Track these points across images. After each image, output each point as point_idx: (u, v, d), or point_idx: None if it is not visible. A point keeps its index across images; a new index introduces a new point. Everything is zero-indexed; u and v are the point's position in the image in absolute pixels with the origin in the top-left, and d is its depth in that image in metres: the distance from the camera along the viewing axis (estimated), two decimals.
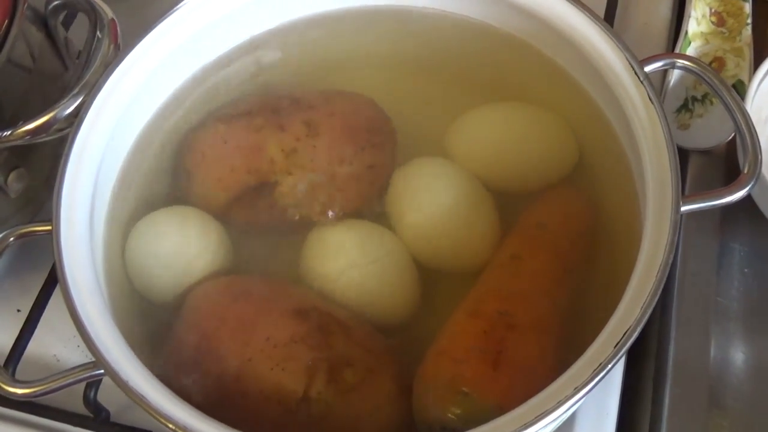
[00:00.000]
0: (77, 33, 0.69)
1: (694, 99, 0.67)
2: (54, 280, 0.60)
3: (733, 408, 0.58)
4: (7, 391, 0.46)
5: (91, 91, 0.52)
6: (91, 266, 0.48)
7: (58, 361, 0.61)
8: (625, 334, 0.43)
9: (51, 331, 0.60)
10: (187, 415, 0.43)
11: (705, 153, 0.67)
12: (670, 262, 0.44)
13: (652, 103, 0.50)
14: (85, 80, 0.52)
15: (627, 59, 0.52)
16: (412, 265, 0.54)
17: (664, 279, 0.44)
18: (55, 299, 0.60)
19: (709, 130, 0.66)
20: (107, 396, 0.56)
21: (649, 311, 0.43)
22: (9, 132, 0.51)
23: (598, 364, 0.42)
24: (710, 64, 0.68)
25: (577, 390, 0.42)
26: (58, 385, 0.46)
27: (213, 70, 0.61)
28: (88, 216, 0.50)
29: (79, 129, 0.51)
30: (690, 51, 0.69)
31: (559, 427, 0.53)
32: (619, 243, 0.53)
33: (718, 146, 0.67)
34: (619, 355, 0.42)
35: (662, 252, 0.45)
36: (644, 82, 0.51)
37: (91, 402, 0.56)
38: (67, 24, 0.72)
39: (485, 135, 0.59)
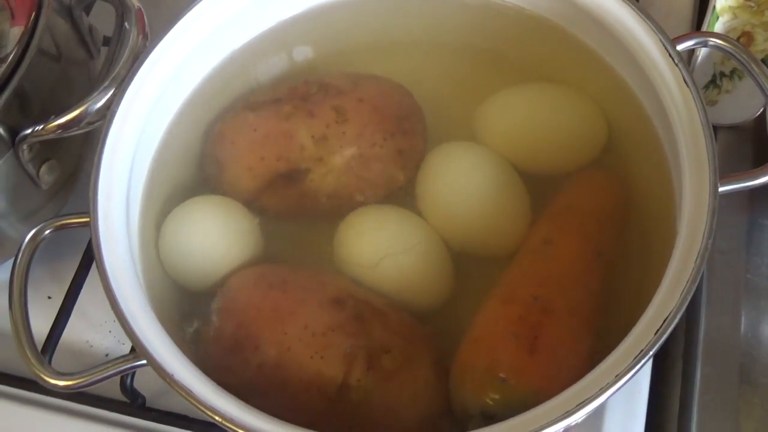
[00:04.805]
0: (98, 18, 0.69)
1: (722, 75, 0.66)
2: (85, 267, 0.61)
3: (764, 385, 0.59)
4: (49, 383, 0.47)
5: (122, 83, 0.52)
6: (129, 259, 0.48)
7: (91, 347, 0.61)
8: (665, 320, 0.43)
9: (82, 317, 0.61)
10: (232, 407, 0.43)
11: (732, 128, 0.67)
12: (710, 247, 0.44)
13: (687, 85, 0.49)
14: (115, 73, 0.51)
15: (660, 41, 0.51)
16: (446, 251, 0.54)
17: (704, 265, 0.44)
18: (87, 286, 0.60)
19: (736, 106, 0.66)
20: (142, 382, 0.57)
21: (689, 297, 0.44)
22: (41, 126, 0.51)
23: (639, 351, 0.42)
24: (738, 39, 0.66)
25: (618, 377, 0.42)
26: (100, 377, 0.46)
27: (241, 56, 0.60)
28: (125, 208, 0.50)
29: (112, 122, 0.51)
30: (718, 26, 0.67)
31: None
32: (652, 226, 0.53)
33: (746, 121, 0.66)
34: (660, 342, 0.43)
35: (701, 238, 0.45)
36: (679, 65, 0.50)
37: (128, 389, 0.56)
38: (86, 10, 0.71)
39: (514, 117, 0.59)
